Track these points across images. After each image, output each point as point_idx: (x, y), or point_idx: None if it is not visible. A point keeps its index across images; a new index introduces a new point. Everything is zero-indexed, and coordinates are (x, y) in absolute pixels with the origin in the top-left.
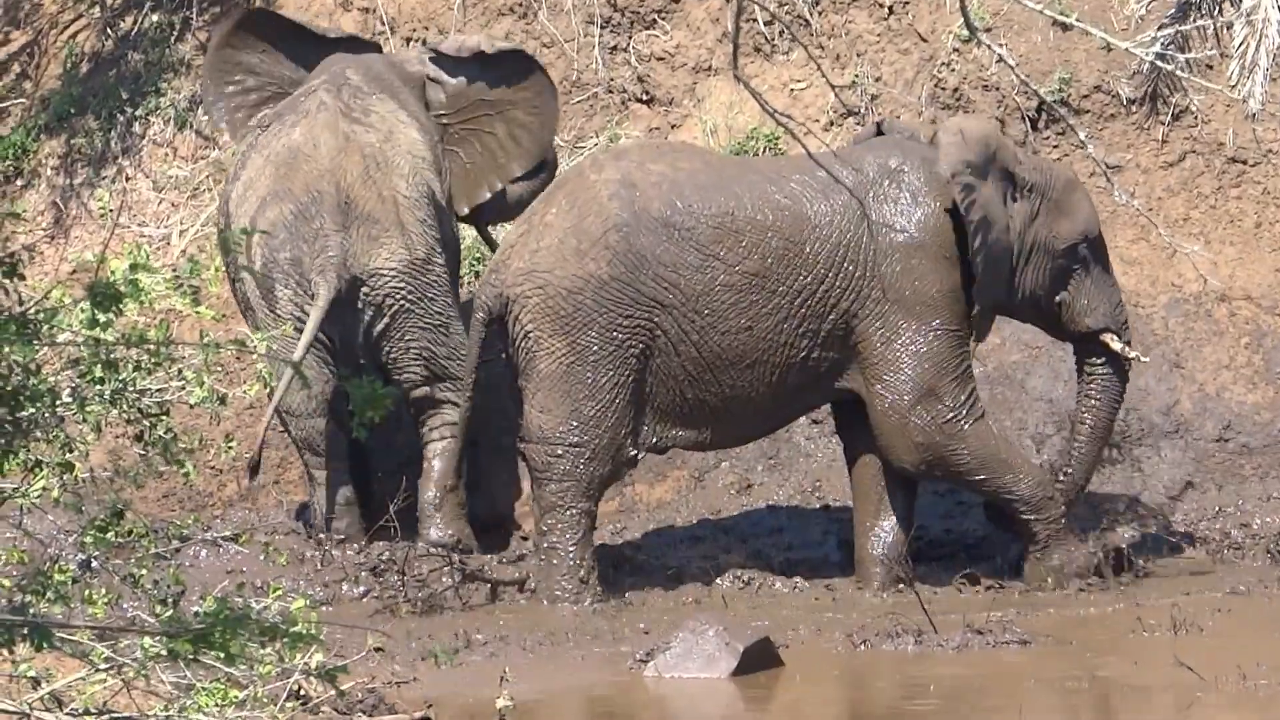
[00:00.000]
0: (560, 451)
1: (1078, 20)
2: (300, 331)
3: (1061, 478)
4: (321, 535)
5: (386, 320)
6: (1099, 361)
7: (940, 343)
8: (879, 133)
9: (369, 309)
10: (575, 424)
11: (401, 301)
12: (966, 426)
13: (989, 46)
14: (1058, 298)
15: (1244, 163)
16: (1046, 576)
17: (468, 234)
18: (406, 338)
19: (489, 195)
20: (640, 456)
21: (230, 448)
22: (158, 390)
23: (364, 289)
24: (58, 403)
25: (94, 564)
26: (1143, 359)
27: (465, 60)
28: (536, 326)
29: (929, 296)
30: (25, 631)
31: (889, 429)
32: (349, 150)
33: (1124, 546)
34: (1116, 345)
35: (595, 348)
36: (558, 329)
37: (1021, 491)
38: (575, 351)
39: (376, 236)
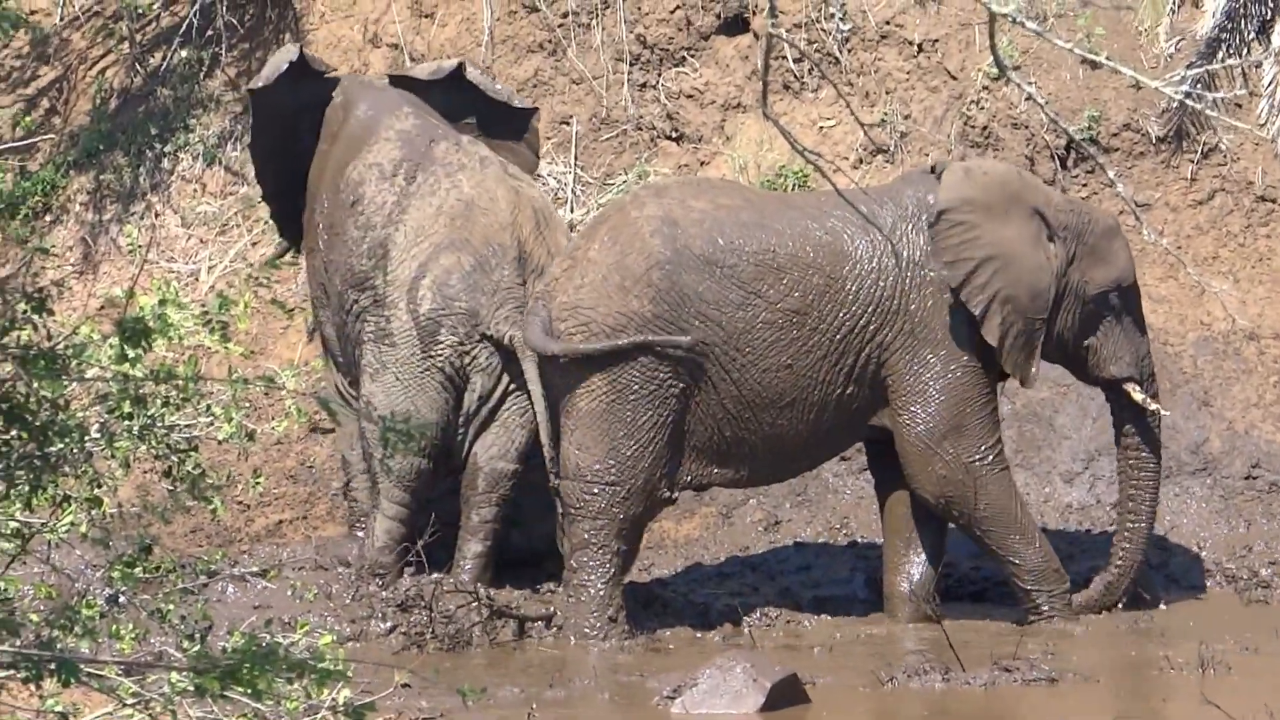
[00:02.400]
0: (596, 490)
1: (1107, 59)
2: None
3: (1117, 560)
4: (360, 564)
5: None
6: (1129, 416)
7: (967, 378)
8: (933, 172)
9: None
10: (613, 463)
11: None
12: (989, 473)
13: (1018, 84)
14: (1086, 342)
15: (1273, 201)
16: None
17: None
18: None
19: None
20: (676, 497)
21: (258, 483)
22: (186, 426)
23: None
24: (86, 438)
25: (121, 599)
26: (1164, 412)
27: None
28: (579, 363)
29: (956, 333)
30: (52, 666)
31: (914, 458)
32: (521, 205)
33: None
34: (1138, 396)
35: (636, 386)
36: (599, 366)
37: (1027, 558)
38: (616, 389)
39: None
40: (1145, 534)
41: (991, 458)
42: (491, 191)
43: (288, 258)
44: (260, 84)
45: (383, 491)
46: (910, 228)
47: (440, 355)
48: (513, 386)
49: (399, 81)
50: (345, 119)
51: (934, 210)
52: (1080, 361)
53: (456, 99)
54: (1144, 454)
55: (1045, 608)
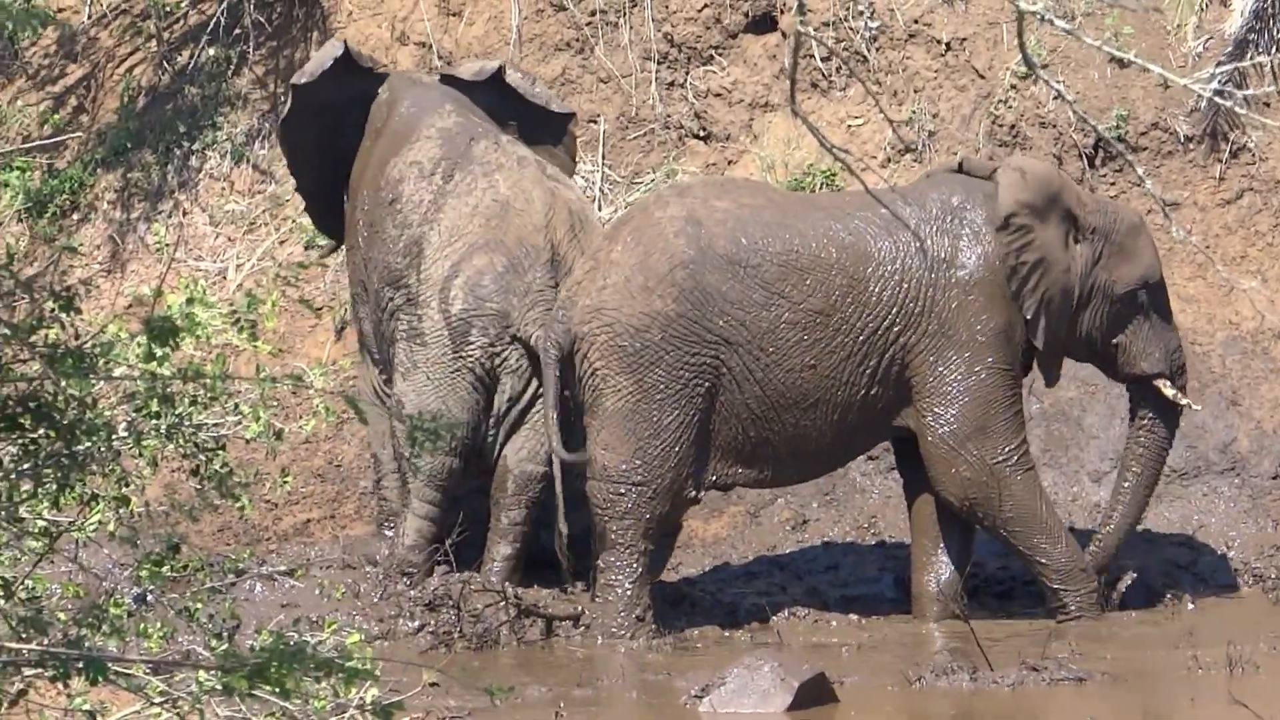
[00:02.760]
0: (624, 490)
1: (1136, 57)
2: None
3: (1107, 525)
4: (388, 562)
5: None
6: (1149, 407)
7: (992, 379)
8: (960, 169)
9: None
10: (639, 463)
11: None
12: (1015, 474)
13: (1047, 82)
14: (1114, 340)
15: None
16: None
17: None
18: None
19: None
20: (701, 497)
21: (286, 482)
22: (214, 424)
23: None
24: (114, 437)
25: (149, 598)
26: (1194, 408)
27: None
28: (604, 364)
29: (983, 333)
30: (80, 665)
31: (938, 459)
32: (557, 206)
33: None
34: (1169, 392)
35: (662, 386)
36: (625, 366)
37: (1054, 557)
38: (642, 389)
39: None
40: (1135, 517)
41: (1016, 459)
42: (528, 192)
43: (314, 256)
44: (304, 79)
45: (413, 491)
46: (934, 229)
47: (471, 356)
48: (543, 389)
49: (448, 80)
50: (389, 115)
51: (998, 215)
52: (1110, 359)
53: (499, 100)
54: (1156, 437)
55: (1073, 607)
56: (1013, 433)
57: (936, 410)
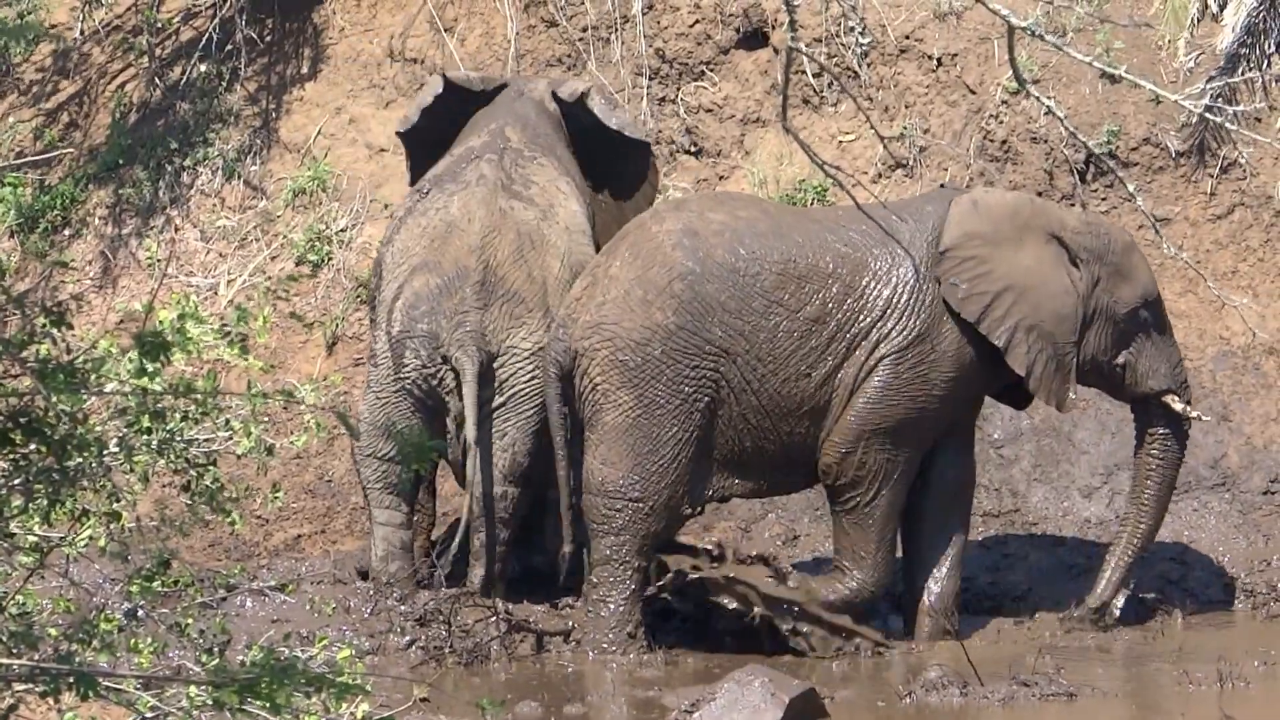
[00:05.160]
0: (620, 506)
1: (1126, 73)
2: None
3: (1125, 540)
4: (371, 576)
5: (504, 400)
6: (1159, 422)
7: (937, 400)
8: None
9: (493, 385)
10: (637, 479)
11: (525, 385)
12: (883, 483)
13: (1037, 98)
14: (1119, 361)
15: None
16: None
17: None
18: (515, 422)
19: None
20: (699, 512)
21: (277, 497)
22: (205, 440)
23: (496, 365)
24: (105, 452)
25: (140, 613)
26: (1204, 418)
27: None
28: (605, 379)
29: (940, 351)
30: (71, 680)
31: (835, 444)
32: (503, 228)
33: None
34: (1178, 406)
35: (663, 400)
36: (626, 381)
37: (862, 581)
38: (643, 404)
39: (520, 316)
40: (1149, 534)
41: (902, 469)
42: (472, 213)
43: (305, 272)
44: (403, 128)
45: (371, 502)
46: (929, 240)
47: (408, 378)
48: (497, 407)
49: (558, 99)
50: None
51: (938, 251)
52: (1117, 380)
53: (587, 122)
54: (1169, 449)
55: (805, 629)
56: (903, 446)
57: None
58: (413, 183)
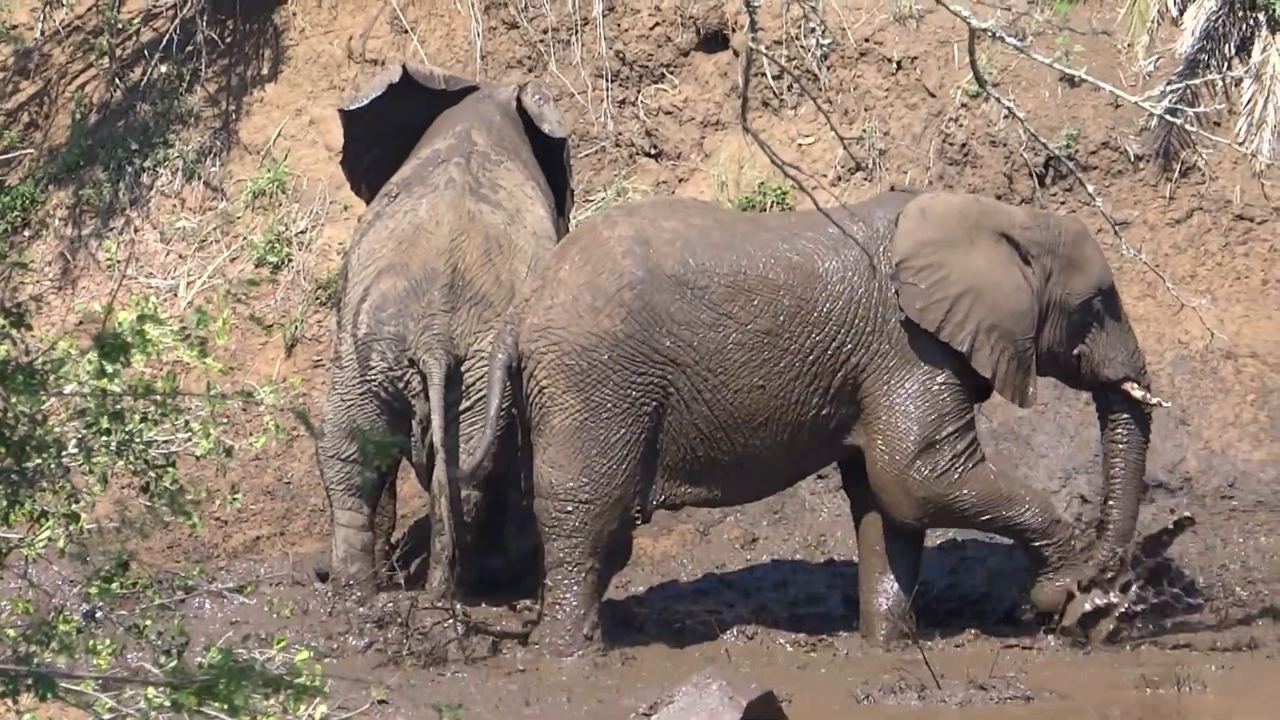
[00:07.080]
0: (570, 508)
1: (1086, 75)
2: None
3: (1107, 525)
4: (331, 577)
5: (470, 403)
6: (1121, 409)
7: (944, 397)
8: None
9: (460, 388)
10: (586, 481)
11: None
12: (963, 474)
13: (998, 100)
14: (1076, 351)
15: (1251, 220)
16: (1056, 597)
17: None
18: (481, 426)
19: None
20: (649, 515)
21: (235, 499)
22: (164, 441)
23: (463, 368)
24: (64, 453)
25: (99, 614)
26: (1164, 404)
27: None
28: (551, 382)
29: (933, 351)
30: (30, 681)
31: (888, 484)
32: (471, 231)
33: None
34: (1138, 393)
35: (609, 404)
36: (572, 385)
37: (1027, 521)
38: (589, 408)
39: (487, 320)
40: (1134, 509)
41: (964, 459)
42: (440, 215)
43: (265, 274)
44: (349, 106)
45: (334, 503)
46: (882, 248)
47: (374, 380)
48: (463, 410)
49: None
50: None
51: (892, 263)
52: (1073, 370)
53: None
54: (1133, 432)
55: (1051, 558)
56: (959, 439)
57: (888, 434)
58: (344, 163)
